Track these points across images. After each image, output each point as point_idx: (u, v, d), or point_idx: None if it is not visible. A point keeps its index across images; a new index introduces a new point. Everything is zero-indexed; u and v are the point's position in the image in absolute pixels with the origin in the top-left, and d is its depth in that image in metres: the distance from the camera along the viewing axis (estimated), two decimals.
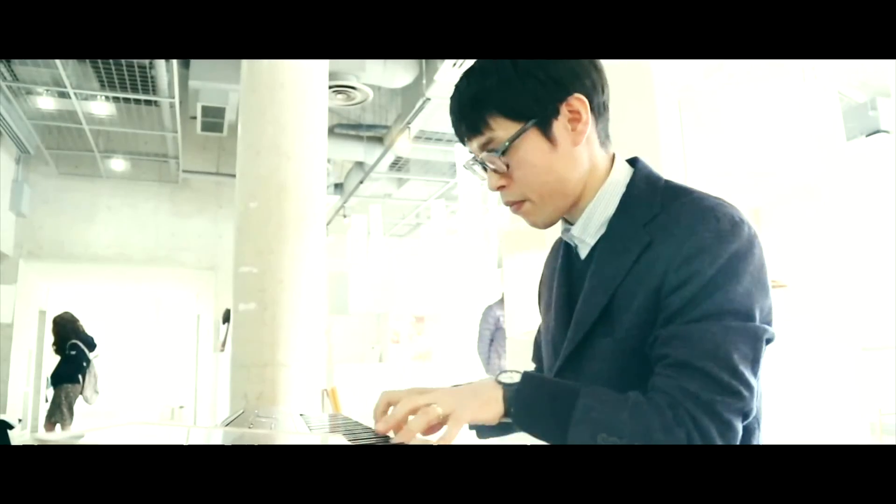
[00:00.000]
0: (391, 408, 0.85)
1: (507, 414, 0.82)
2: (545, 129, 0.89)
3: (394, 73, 5.90)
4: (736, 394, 0.76)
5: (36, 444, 0.46)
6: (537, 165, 0.90)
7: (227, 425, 0.95)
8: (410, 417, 0.80)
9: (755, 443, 0.87)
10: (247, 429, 0.87)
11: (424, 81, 5.86)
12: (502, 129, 0.88)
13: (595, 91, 0.92)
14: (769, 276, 0.84)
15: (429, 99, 5.95)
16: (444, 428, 0.80)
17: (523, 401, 0.81)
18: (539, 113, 0.88)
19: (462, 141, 0.95)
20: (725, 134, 3.10)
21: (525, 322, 3.43)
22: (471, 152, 0.95)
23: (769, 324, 0.82)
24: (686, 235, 0.82)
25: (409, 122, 6.56)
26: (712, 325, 0.78)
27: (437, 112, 6.31)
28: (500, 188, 0.94)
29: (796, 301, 3.22)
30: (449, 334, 11.13)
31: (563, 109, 0.89)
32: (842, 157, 3.31)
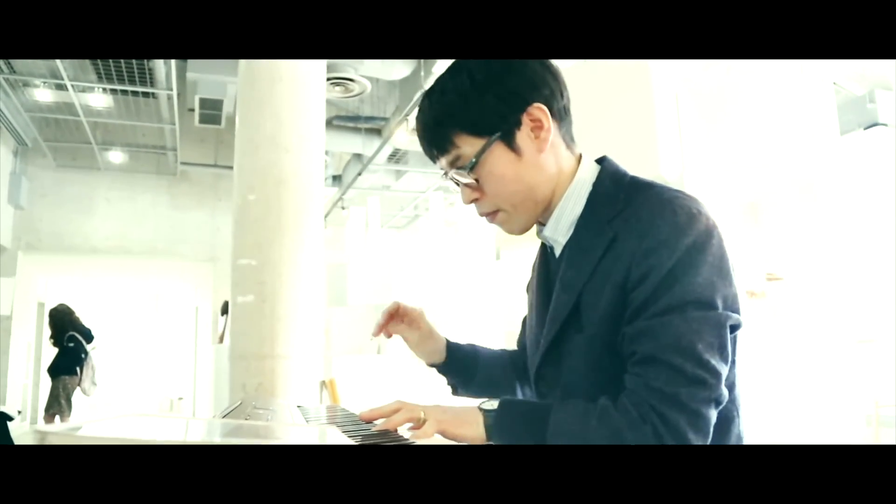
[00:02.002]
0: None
1: (488, 437, 0.87)
2: (509, 141, 0.91)
3: (392, 65, 5.89)
4: (701, 383, 0.78)
5: (37, 435, 0.47)
6: (505, 177, 0.92)
7: (224, 416, 0.96)
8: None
9: (736, 431, 0.89)
10: (244, 420, 0.89)
11: (422, 73, 5.85)
12: (468, 145, 0.91)
13: (554, 97, 0.94)
14: (731, 265, 0.85)
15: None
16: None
17: (501, 426, 0.87)
18: (501, 126, 0.90)
19: (433, 160, 0.98)
20: (723, 127, 3.11)
21: (521, 315, 3.45)
22: (441, 169, 0.97)
23: (735, 311, 0.84)
24: (646, 229, 0.84)
25: (407, 114, 6.55)
26: (674, 318, 0.80)
27: None
28: (474, 201, 0.97)
29: (793, 294, 3.24)
30: (448, 326, 11.14)
31: (525, 120, 0.91)
32: (837, 151, 3.32)
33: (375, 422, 0.95)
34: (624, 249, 0.85)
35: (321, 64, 3.91)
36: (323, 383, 4.14)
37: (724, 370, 0.81)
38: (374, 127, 7.77)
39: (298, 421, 0.99)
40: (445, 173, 0.96)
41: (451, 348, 1.23)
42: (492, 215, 0.98)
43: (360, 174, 8.29)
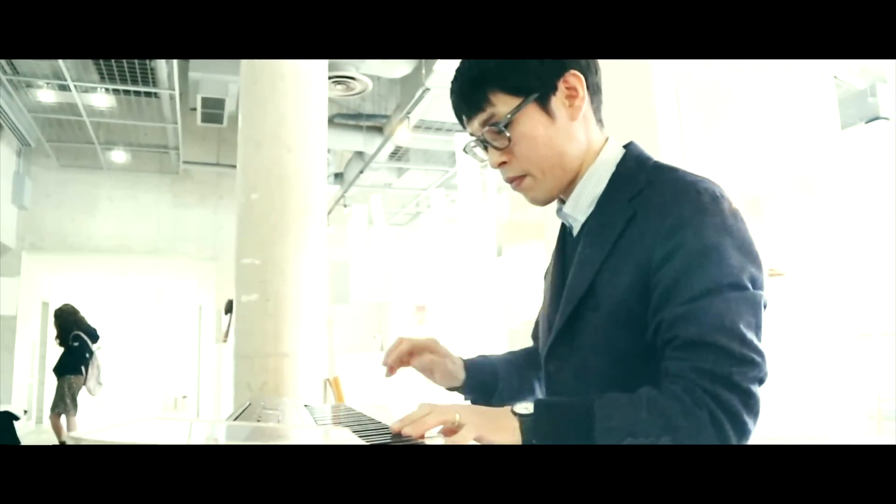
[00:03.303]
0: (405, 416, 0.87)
1: (526, 442, 0.82)
2: (544, 103, 0.92)
3: (393, 63, 5.90)
4: (750, 362, 0.78)
5: (72, 441, 0.49)
6: (537, 139, 0.92)
7: (236, 419, 0.98)
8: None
9: None
10: (256, 422, 0.90)
11: (424, 71, 5.86)
12: (503, 104, 0.91)
13: (590, 70, 0.95)
14: (755, 246, 0.85)
15: (428, 89, 5.95)
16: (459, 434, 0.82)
17: (542, 429, 0.81)
18: (538, 88, 0.91)
19: (462, 122, 0.98)
20: (724, 123, 3.11)
21: (524, 312, 3.46)
22: (471, 134, 0.97)
23: (762, 290, 0.84)
24: (668, 209, 0.84)
25: (408, 112, 6.57)
26: (714, 299, 0.80)
27: (436, 102, 6.32)
28: (502, 164, 0.96)
29: (795, 289, 3.25)
30: (450, 323, 11.16)
31: (561, 86, 0.92)
32: (838, 146, 3.32)
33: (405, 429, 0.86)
34: (646, 228, 0.85)
35: (323, 63, 3.93)
36: (327, 381, 4.16)
37: (763, 349, 0.81)
38: (375, 125, 7.78)
39: (307, 422, 1.00)
40: (475, 138, 0.96)
41: (470, 368, 1.15)
42: (518, 180, 0.97)
43: (361, 172, 8.30)
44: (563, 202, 1.00)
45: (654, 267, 0.83)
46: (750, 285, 0.81)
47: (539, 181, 0.96)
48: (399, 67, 6.00)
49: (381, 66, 5.95)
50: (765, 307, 0.83)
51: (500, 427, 0.82)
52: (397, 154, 8.43)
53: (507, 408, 0.85)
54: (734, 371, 0.77)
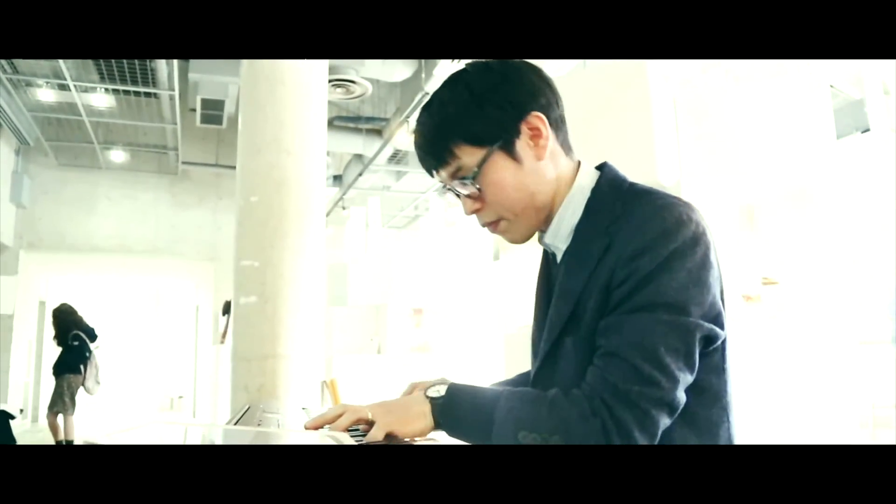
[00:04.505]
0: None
1: (436, 426, 0.88)
2: (509, 149, 0.93)
3: (393, 67, 5.92)
4: (655, 384, 0.80)
5: (86, 444, 0.50)
6: (506, 185, 0.93)
7: (236, 422, 1.00)
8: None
9: (725, 436, 0.90)
10: (256, 426, 0.92)
11: (423, 75, 5.88)
12: (468, 155, 0.93)
13: (550, 107, 0.96)
14: (714, 275, 0.86)
15: (427, 93, 5.97)
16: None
17: (449, 413, 0.87)
18: (501, 135, 0.92)
19: (430, 173, 0.99)
20: (720, 131, 3.13)
21: (521, 317, 3.48)
22: (440, 182, 0.99)
23: (712, 321, 0.85)
24: (633, 234, 0.86)
25: (407, 116, 6.59)
26: (643, 317, 0.82)
27: None
28: (476, 211, 0.98)
29: (789, 297, 3.27)
30: (447, 326, 11.16)
31: (524, 128, 0.93)
32: (834, 155, 3.34)
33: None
34: (615, 255, 0.87)
35: (323, 66, 3.94)
36: (324, 383, 4.18)
37: (684, 377, 0.82)
38: (374, 128, 7.80)
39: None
40: (445, 186, 0.98)
41: None
42: (494, 224, 0.99)
43: (360, 174, 8.32)
44: (543, 232, 1.02)
45: (612, 287, 0.86)
46: (691, 311, 0.83)
47: (513, 223, 0.98)
48: (399, 71, 6.02)
49: (380, 70, 5.97)
50: (714, 339, 0.85)
51: (411, 416, 0.88)
52: (396, 157, 8.45)
53: (421, 393, 0.90)
54: (634, 390, 0.79)
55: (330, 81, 5.67)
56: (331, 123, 7.32)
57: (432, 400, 0.88)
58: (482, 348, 10.00)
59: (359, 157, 8.26)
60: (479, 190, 0.94)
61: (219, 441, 0.71)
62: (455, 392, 0.89)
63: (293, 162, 3.59)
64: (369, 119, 7.76)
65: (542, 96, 0.95)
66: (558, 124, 0.97)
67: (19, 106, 7.04)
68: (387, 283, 10.82)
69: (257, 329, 3.45)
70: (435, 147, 0.95)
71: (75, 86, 6.37)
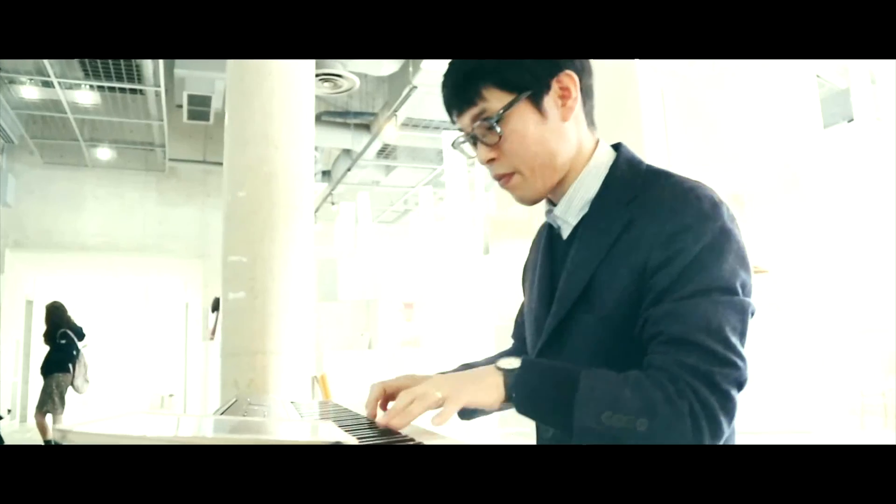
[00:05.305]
0: (390, 402, 0.89)
1: (508, 399, 0.84)
2: (537, 101, 0.91)
3: (380, 62, 5.90)
4: (731, 364, 0.79)
5: (57, 434, 0.49)
6: (527, 136, 0.92)
7: (221, 414, 0.99)
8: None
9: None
10: (241, 416, 0.91)
11: (411, 69, 5.87)
12: (495, 99, 0.91)
13: (584, 72, 0.95)
14: (749, 255, 0.86)
15: (415, 87, 5.96)
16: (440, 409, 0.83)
17: (525, 385, 0.83)
18: (532, 85, 0.91)
19: (452, 117, 0.97)
20: (708, 121, 3.14)
21: (512, 310, 3.49)
22: (460, 129, 0.97)
23: (750, 297, 0.85)
24: (669, 215, 0.84)
25: (395, 110, 6.57)
26: (702, 301, 0.80)
27: (424, 99, 6.32)
28: (491, 161, 0.96)
29: (778, 286, 3.28)
30: (437, 320, 11.17)
31: (554, 85, 0.92)
32: (821, 144, 3.36)
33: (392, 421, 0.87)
34: (643, 233, 0.85)
35: (310, 60, 3.93)
36: (314, 379, 4.17)
37: (745, 354, 0.81)
38: (363, 122, 7.78)
39: (293, 416, 1.01)
40: (465, 133, 0.96)
41: None
42: (507, 178, 0.96)
43: (349, 169, 8.30)
44: (552, 204, 1.00)
45: (649, 271, 0.84)
46: (740, 291, 0.82)
47: (527, 179, 0.95)
48: (386, 65, 6.00)
49: (368, 64, 5.95)
50: (752, 314, 0.84)
51: (483, 386, 0.84)
52: (385, 152, 8.44)
53: (492, 365, 0.86)
54: (715, 371, 0.77)
55: (317, 76, 5.65)
56: (319, 118, 7.29)
57: (505, 371, 0.85)
58: (473, 342, 10.02)
59: (347, 152, 8.24)
60: (499, 136, 0.92)
61: (207, 430, 0.70)
62: (531, 366, 0.85)
63: (281, 156, 3.58)
64: (357, 114, 7.74)
65: (578, 60, 0.94)
66: (588, 93, 0.96)
67: (3, 103, 6.98)
68: (377, 279, 10.82)
69: (246, 325, 3.43)
70: (464, 87, 0.93)
71: (60, 83, 6.32)
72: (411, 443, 0.80)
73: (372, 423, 0.92)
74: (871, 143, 4.48)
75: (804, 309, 3.22)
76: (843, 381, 3.31)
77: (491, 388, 0.84)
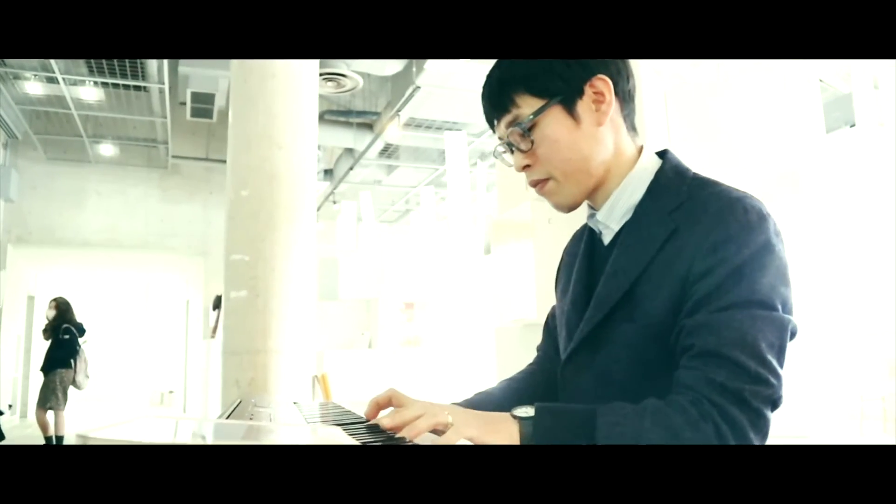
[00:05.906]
0: (395, 409, 0.86)
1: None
2: (569, 106, 0.91)
3: (384, 61, 5.91)
4: (764, 382, 0.77)
5: (78, 439, 0.50)
6: (560, 142, 0.91)
7: (227, 417, 1.00)
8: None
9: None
10: (248, 420, 0.92)
11: (415, 69, 5.87)
12: (528, 106, 0.91)
13: (620, 76, 0.94)
14: (790, 271, 0.84)
15: (418, 87, 5.96)
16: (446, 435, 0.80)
17: (542, 435, 0.79)
18: (564, 91, 0.91)
19: (492, 126, 0.98)
20: (711, 125, 3.15)
21: (513, 310, 3.49)
22: (500, 138, 0.97)
23: (791, 315, 0.83)
24: (714, 224, 0.83)
25: (398, 110, 6.58)
26: (738, 314, 0.78)
27: (427, 99, 6.33)
28: (525, 168, 0.96)
29: None
30: (438, 320, 11.19)
31: (588, 90, 0.91)
32: (823, 149, 3.36)
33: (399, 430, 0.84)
34: (687, 242, 0.84)
35: (314, 60, 3.94)
36: (315, 378, 4.18)
37: (782, 373, 0.79)
38: (365, 122, 7.78)
39: (297, 420, 1.02)
40: (502, 142, 0.96)
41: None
42: (541, 184, 0.96)
43: (351, 168, 8.31)
44: (593, 209, 0.99)
45: (691, 280, 0.82)
46: (780, 307, 0.80)
47: (562, 185, 0.94)
48: (390, 65, 6.01)
49: (371, 64, 5.96)
50: (794, 334, 0.82)
51: (493, 430, 0.80)
52: (387, 151, 8.44)
53: (506, 413, 0.83)
54: (746, 388, 0.76)
55: (321, 75, 5.66)
56: (321, 117, 7.30)
57: (520, 420, 0.81)
58: (473, 342, 10.03)
59: (350, 151, 8.25)
60: (532, 142, 0.92)
61: (211, 435, 0.71)
62: (546, 412, 0.81)
63: (284, 156, 3.59)
64: (360, 113, 7.75)
65: (613, 64, 0.93)
66: (625, 98, 0.95)
67: (7, 99, 6.99)
68: (378, 278, 10.84)
69: (248, 323, 3.44)
70: (498, 95, 0.94)
71: (64, 79, 6.33)
72: (411, 443, 0.80)
73: (375, 427, 0.91)
74: (874, 149, 4.48)
75: (804, 313, 3.23)
76: (842, 386, 3.31)
77: (502, 433, 0.80)
